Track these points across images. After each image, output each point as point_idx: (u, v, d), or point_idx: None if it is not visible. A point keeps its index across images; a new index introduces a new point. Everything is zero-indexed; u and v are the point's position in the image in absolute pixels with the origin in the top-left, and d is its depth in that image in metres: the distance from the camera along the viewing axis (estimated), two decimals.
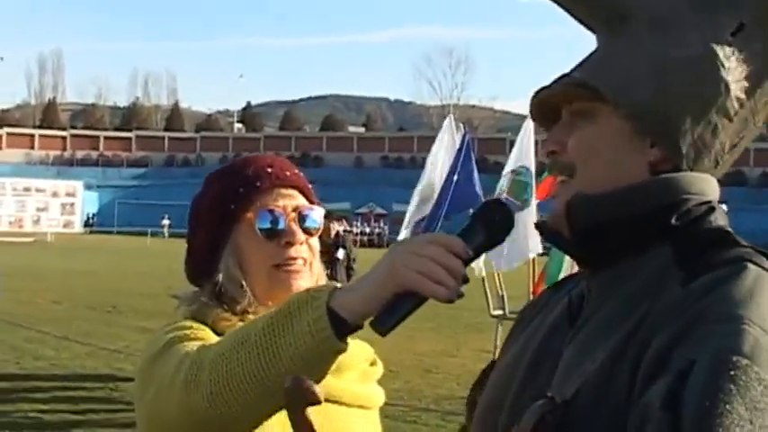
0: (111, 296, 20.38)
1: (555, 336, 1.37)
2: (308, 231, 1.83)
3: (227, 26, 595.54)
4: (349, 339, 1.50)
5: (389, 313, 1.31)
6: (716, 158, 1.33)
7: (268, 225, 1.79)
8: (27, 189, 66.54)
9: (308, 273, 1.82)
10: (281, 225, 1.80)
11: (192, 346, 1.56)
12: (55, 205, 66.95)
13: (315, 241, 1.86)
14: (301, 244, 1.81)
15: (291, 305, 1.39)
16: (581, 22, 1.46)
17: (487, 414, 1.40)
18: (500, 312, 10.39)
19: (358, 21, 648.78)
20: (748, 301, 1.12)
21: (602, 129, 1.33)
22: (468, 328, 15.85)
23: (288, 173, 1.87)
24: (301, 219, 1.83)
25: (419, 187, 10.72)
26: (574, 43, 1.50)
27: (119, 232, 72.10)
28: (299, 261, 1.81)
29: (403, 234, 10.40)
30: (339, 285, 1.40)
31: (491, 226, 1.36)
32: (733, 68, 1.30)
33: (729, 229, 1.29)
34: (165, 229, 68.41)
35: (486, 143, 76.00)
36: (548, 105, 1.42)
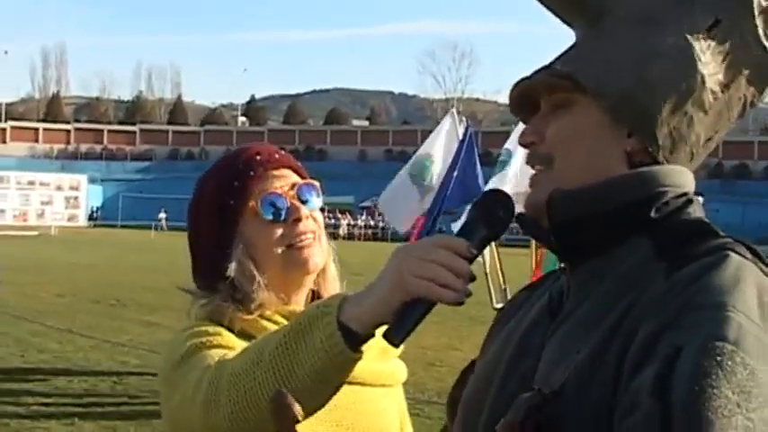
0: (114, 290, 20.42)
1: (536, 330, 1.38)
2: (309, 205, 1.86)
3: (231, 20, 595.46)
4: None
5: (401, 323, 1.31)
6: (691, 151, 1.35)
7: (272, 208, 1.82)
8: (31, 183, 66.67)
9: (319, 245, 1.85)
10: (284, 205, 1.83)
11: (212, 356, 1.59)
12: (59, 199, 67.09)
13: (318, 215, 1.89)
14: (306, 218, 1.84)
15: (303, 322, 1.40)
16: (558, 16, 1.48)
17: (469, 410, 1.42)
18: (502, 305, 10.35)
19: (361, 14, 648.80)
20: (732, 288, 1.14)
21: (580, 119, 1.35)
22: (471, 322, 15.85)
23: (276, 155, 1.90)
24: (300, 194, 1.86)
25: (408, 172, 10.67)
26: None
27: (123, 226, 72.18)
28: (309, 235, 1.83)
29: (392, 218, 10.15)
30: (347, 295, 1.40)
31: (491, 219, 1.36)
32: (708, 62, 1.32)
33: (707, 221, 1.31)
34: (163, 222, 68.71)
35: (489, 136, 75.95)
36: (527, 97, 1.44)
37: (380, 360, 1.86)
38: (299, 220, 1.82)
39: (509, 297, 10.72)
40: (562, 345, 1.28)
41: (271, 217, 1.81)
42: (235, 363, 1.50)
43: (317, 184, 1.92)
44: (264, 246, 1.81)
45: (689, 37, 1.32)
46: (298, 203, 1.84)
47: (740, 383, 1.06)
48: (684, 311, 1.13)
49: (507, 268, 10.23)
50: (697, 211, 1.32)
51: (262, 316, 1.78)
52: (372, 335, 1.37)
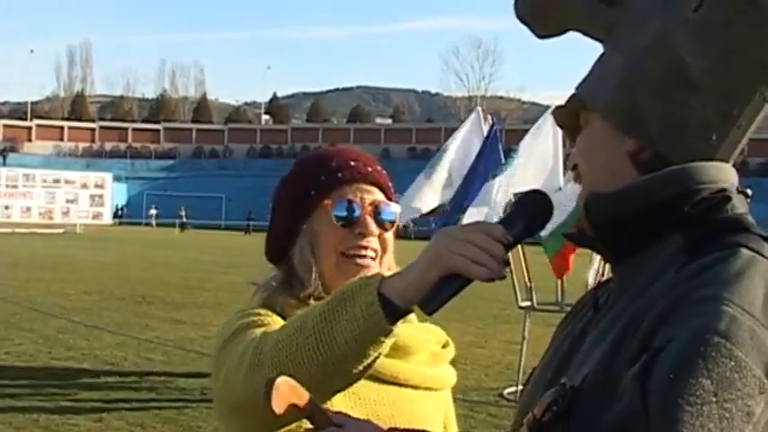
0: (140, 287, 20.55)
1: (585, 330, 1.41)
2: (382, 226, 1.88)
3: (255, 17, 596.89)
4: (419, 324, 1.70)
5: (435, 294, 1.38)
6: (703, 136, 1.32)
7: (343, 213, 1.85)
8: (57, 181, 67.21)
9: (377, 266, 1.87)
10: (356, 215, 1.85)
11: (258, 332, 1.66)
12: (84, 197, 67.59)
13: (389, 236, 1.91)
14: (374, 236, 1.86)
15: (345, 292, 1.48)
16: (592, 37, 1.50)
17: (524, 406, 1.45)
18: (528, 304, 10.38)
19: (385, 11, 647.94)
20: (733, 282, 1.16)
21: (591, 133, 1.41)
22: (496, 320, 15.84)
23: (369, 168, 1.93)
24: (377, 213, 1.88)
25: (435, 172, 10.59)
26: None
27: (147, 224, 72.54)
28: (370, 253, 1.86)
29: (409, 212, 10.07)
30: (388, 273, 1.48)
31: (530, 214, 1.43)
32: (690, 43, 1.30)
33: (744, 217, 1.30)
34: (153, 220, 69.59)
35: (513, 134, 75.56)
36: (571, 124, 1.49)
37: (429, 365, 1.90)
38: (364, 234, 1.85)
39: (534, 294, 10.64)
40: (594, 340, 1.31)
41: (339, 220, 1.84)
42: (280, 332, 1.57)
43: (398, 207, 1.94)
44: (324, 244, 1.85)
45: (665, 24, 1.32)
46: (370, 220, 1.87)
47: (721, 374, 1.08)
48: (682, 304, 1.16)
49: (533, 266, 10.21)
50: (737, 207, 1.31)
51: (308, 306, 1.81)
52: (411, 310, 1.45)
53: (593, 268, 9.60)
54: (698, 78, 1.30)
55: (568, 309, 1.60)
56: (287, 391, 1.28)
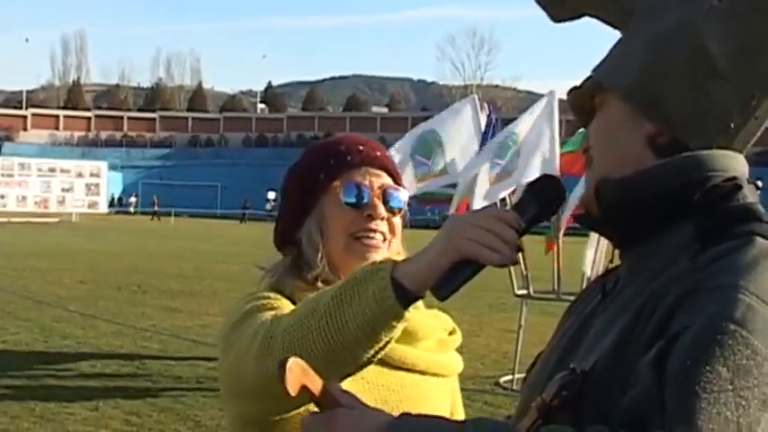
0: (136, 276, 20.53)
1: (594, 316, 1.41)
2: (390, 209, 1.89)
3: (251, 6, 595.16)
4: (427, 310, 1.73)
5: (448, 280, 1.38)
6: (722, 124, 1.33)
7: (353, 196, 1.86)
8: (52, 170, 66.92)
9: (386, 249, 1.88)
10: (365, 198, 1.87)
11: (269, 315, 1.66)
12: (80, 186, 67.30)
13: (397, 221, 1.92)
14: (382, 219, 1.87)
15: (358, 276, 1.48)
16: (604, 22, 1.51)
17: (528, 392, 1.45)
18: (524, 292, 10.35)
19: (381, 0, 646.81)
20: (748, 271, 1.17)
21: (608, 115, 1.40)
22: (492, 308, 15.87)
23: (378, 153, 1.94)
24: (385, 196, 1.89)
25: (412, 148, 10.33)
26: (598, 24, 1.60)
27: (142, 212, 72.51)
28: (378, 235, 1.87)
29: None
30: (401, 258, 1.50)
31: (542, 199, 1.43)
32: (715, 31, 1.31)
33: (756, 206, 1.31)
34: (132, 208, 70.20)
35: (509, 123, 75.20)
36: (583, 106, 1.49)
37: (436, 351, 1.92)
38: (372, 217, 1.86)
39: (531, 283, 10.61)
40: (604, 325, 1.31)
41: (348, 202, 1.85)
42: (291, 315, 1.59)
43: (406, 192, 1.96)
44: (334, 226, 1.86)
45: (690, 11, 1.33)
46: (378, 203, 1.88)
47: (738, 362, 1.09)
48: (697, 292, 1.17)
49: (529, 254, 10.19)
50: (748, 196, 1.32)
51: (317, 290, 1.82)
52: (422, 295, 1.45)
53: (589, 257, 9.60)
54: (722, 66, 1.31)
55: (565, 297, 1.61)
56: (299, 373, 1.27)
